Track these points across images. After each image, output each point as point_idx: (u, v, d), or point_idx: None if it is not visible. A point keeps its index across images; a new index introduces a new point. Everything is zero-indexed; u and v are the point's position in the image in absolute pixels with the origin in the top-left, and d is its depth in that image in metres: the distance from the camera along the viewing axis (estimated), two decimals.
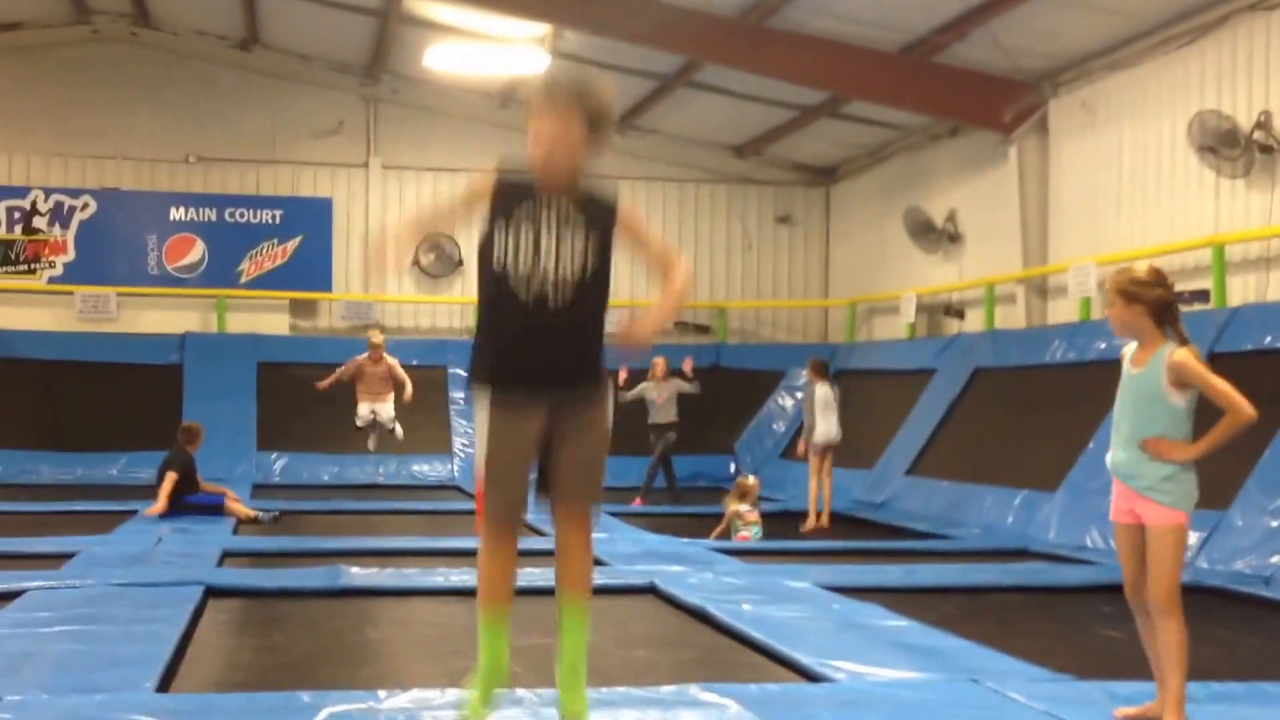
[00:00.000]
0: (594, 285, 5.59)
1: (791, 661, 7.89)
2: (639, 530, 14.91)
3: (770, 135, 24.01)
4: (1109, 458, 6.44)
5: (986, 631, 8.84)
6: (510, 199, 5.68)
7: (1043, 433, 16.17)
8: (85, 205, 23.41)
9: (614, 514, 16.57)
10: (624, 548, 13.11)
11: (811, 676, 7.54)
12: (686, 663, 8.11)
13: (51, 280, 23.32)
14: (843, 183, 25.59)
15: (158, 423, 21.37)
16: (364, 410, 19.82)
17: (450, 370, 23.27)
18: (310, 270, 23.95)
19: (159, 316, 23.27)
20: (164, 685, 7.08)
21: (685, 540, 13.88)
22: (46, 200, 23.29)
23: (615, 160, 24.93)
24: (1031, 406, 16.85)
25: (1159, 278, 6.23)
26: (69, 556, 11.65)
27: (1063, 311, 18.30)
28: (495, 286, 5.60)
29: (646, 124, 24.42)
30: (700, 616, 9.52)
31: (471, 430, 22.43)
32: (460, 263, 24.52)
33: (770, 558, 12.49)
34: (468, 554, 12.73)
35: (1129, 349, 6.41)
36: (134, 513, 15.82)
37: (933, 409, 18.64)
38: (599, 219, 5.75)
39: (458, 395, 23.05)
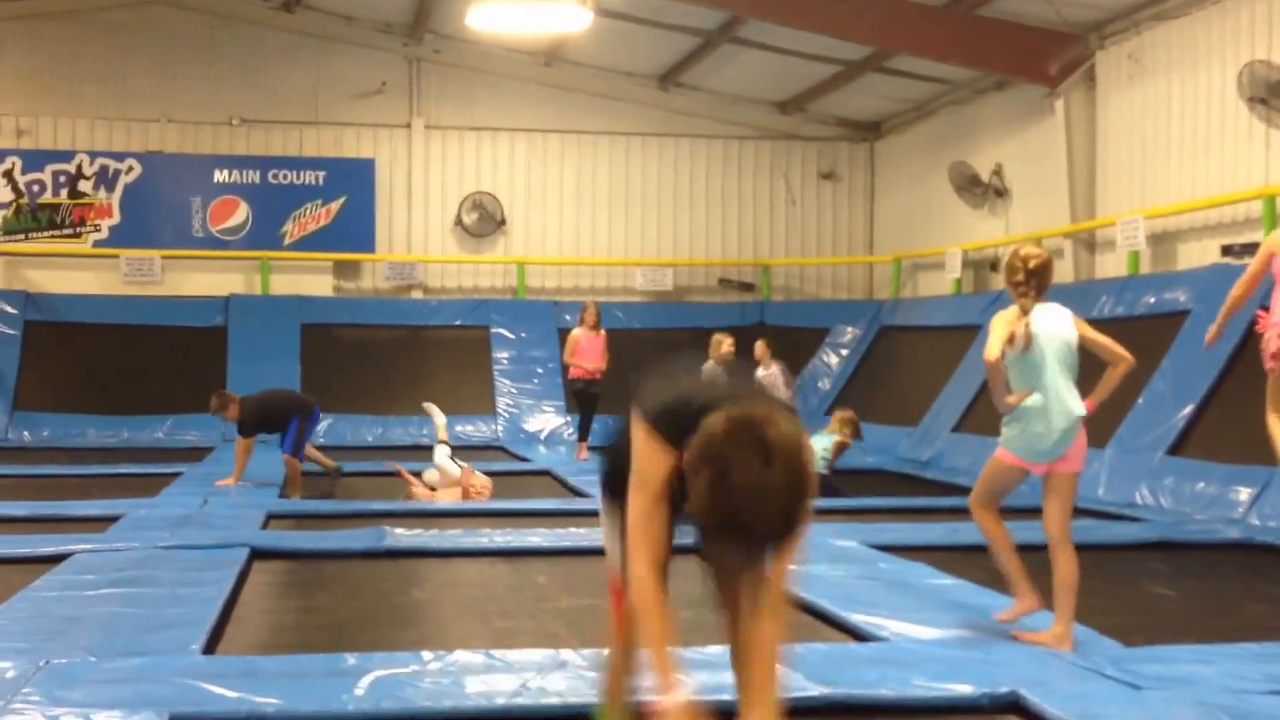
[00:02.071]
0: None
1: (839, 621, 7.85)
2: None
3: (814, 91, 23.86)
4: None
5: (1035, 589, 8.76)
6: None
7: (1091, 388, 16.02)
8: (130, 168, 23.44)
9: None
10: None
11: (859, 636, 7.50)
12: None
13: (97, 244, 23.37)
14: (888, 138, 25.43)
15: (202, 385, 21.40)
16: None
17: (493, 330, 23.25)
18: (354, 231, 23.94)
19: (203, 279, 23.31)
20: (210, 648, 7.10)
21: None
22: (91, 164, 23.34)
23: (660, 118, 24.87)
24: (1080, 362, 16.69)
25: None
26: (115, 519, 11.67)
27: (1110, 265, 18.14)
28: None
29: (690, 81, 24.30)
30: None
31: (515, 390, 22.48)
32: (503, 222, 24.47)
33: (817, 517, 12.44)
34: (511, 515, 12.76)
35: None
36: (179, 475, 15.85)
37: (979, 365, 18.49)
38: None
39: (501, 356, 23.03)
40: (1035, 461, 7.59)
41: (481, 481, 14.29)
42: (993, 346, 7.45)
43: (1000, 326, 7.51)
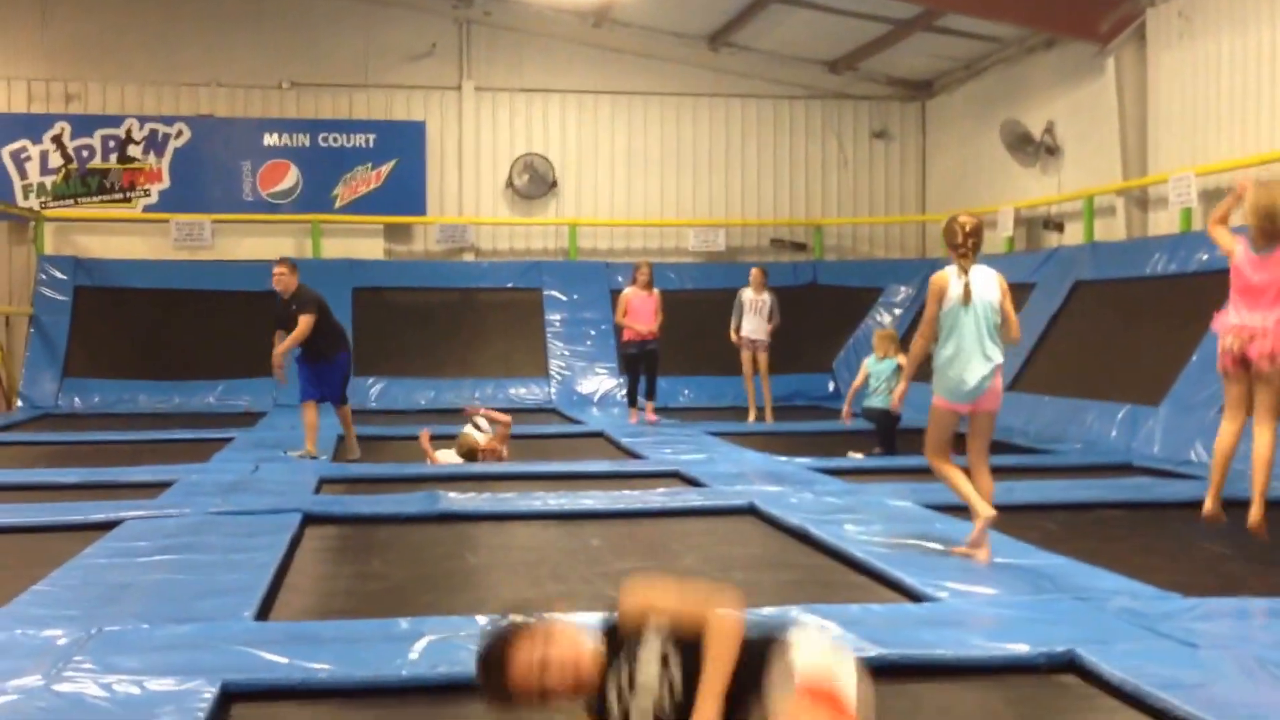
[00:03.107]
0: None
1: (894, 581, 7.82)
2: (738, 449, 14.83)
3: (865, 50, 23.70)
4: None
5: (1090, 549, 8.72)
6: None
7: (1145, 346, 15.94)
8: (180, 133, 23.47)
9: (713, 433, 16.50)
10: (723, 467, 13.03)
11: (914, 596, 7.46)
12: (787, 584, 8.04)
13: (147, 209, 23.40)
14: (939, 97, 25.26)
15: (254, 350, 21.49)
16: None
17: (545, 292, 23.23)
18: (404, 194, 23.92)
19: (254, 243, 23.33)
20: (263, 613, 7.11)
21: (785, 459, 13.77)
22: (141, 128, 23.38)
23: (710, 79, 24.77)
24: (1133, 319, 16.61)
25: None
26: (167, 485, 11.70)
27: (1163, 223, 17.98)
28: None
29: (740, 41, 24.18)
30: (801, 537, 9.43)
31: (568, 352, 22.46)
32: (554, 184, 24.43)
33: (872, 476, 12.36)
34: (565, 477, 12.75)
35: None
36: (231, 440, 15.88)
37: (1032, 324, 18.38)
38: None
39: (553, 318, 23.02)
40: (961, 403, 8.82)
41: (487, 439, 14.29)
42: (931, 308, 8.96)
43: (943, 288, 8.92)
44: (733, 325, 19.07)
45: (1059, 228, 20.57)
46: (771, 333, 18.97)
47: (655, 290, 18.44)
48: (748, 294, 19.10)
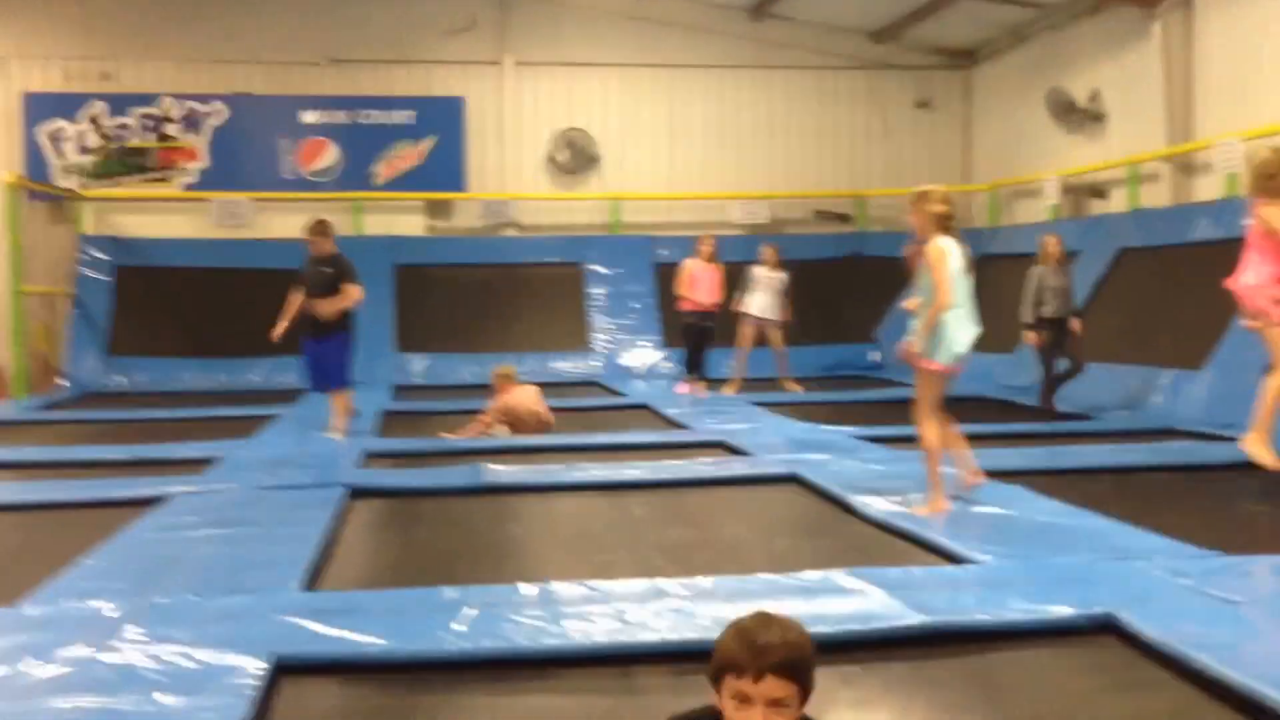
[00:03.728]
0: None
1: (936, 545, 7.84)
2: (782, 418, 14.84)
3: (908, 19, 23.60)
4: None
5: (1134, 511, 8.70)
6: None
7: (1189, 311, 15.86)
8: (217, 111, 23.55)
9: (757, 403, 16.52)
10: (766, 437, 13.04)
11: (956, 560, 7.47)
12: (829, 550, 8.05)
13: (186, 187, 23.48)
14: (983, 65, 25.13)
15: (296, 328, 21.60)
16: None
17: (588, 267, 23.25)
18: (445, 170, 23.93)
19: (294, 221, 23.21)
20: (310, 585, 7.16)
21: (829, 428, 13.78)
22: (179, 107, 23.46)
23: (752, 50, 24.71)
24: (1177, 285, 16.53)
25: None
26: (213, 461, 11.79)
27: (1208, 188, 17.85)
28: None
29: (783, 12, 24.11)
30: (843, 505, 9.45)
31: (611, 325, 22.47)
32: (595, 158, 24.42)
33: (914, 444, 12.36)
34: (608, 449, 12.78)
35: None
36: (276, 417, 15.95)
37: (1077, 291, 18.27)
38: None
39: (596, 292, 23.04)
40: (956, 365, 9.25)
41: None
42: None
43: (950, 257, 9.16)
44: (740, 298, 19.05)
45: (1103, 195, 20.47)
46: (786, 313, 19.11)
47: (719, 263, 18.36)
48: (761, 270, 19.15)
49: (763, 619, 3.73)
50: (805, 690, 3.72)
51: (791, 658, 3.67)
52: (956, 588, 6.68)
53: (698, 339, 18.35)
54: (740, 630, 3.72)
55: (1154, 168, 18.82)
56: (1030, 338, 16.01)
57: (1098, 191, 20.51)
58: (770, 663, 3.63)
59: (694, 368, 18.42)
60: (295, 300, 14.51)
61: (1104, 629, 6.03)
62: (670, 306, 20.09)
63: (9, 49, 23.10)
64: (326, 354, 14.29)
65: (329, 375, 14.30)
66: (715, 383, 18.29)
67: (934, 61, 25.47)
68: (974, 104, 25.54)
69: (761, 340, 19.15)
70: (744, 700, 3.66)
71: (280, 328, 14.60)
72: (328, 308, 14.16)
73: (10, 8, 23.10)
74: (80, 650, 5.66)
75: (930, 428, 9.24)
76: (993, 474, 10.04)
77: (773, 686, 3.64)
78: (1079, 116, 20.82)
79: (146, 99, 23.39)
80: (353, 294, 14.21)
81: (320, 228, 14.58)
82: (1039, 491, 9.30)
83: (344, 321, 14.32)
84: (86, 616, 6.27)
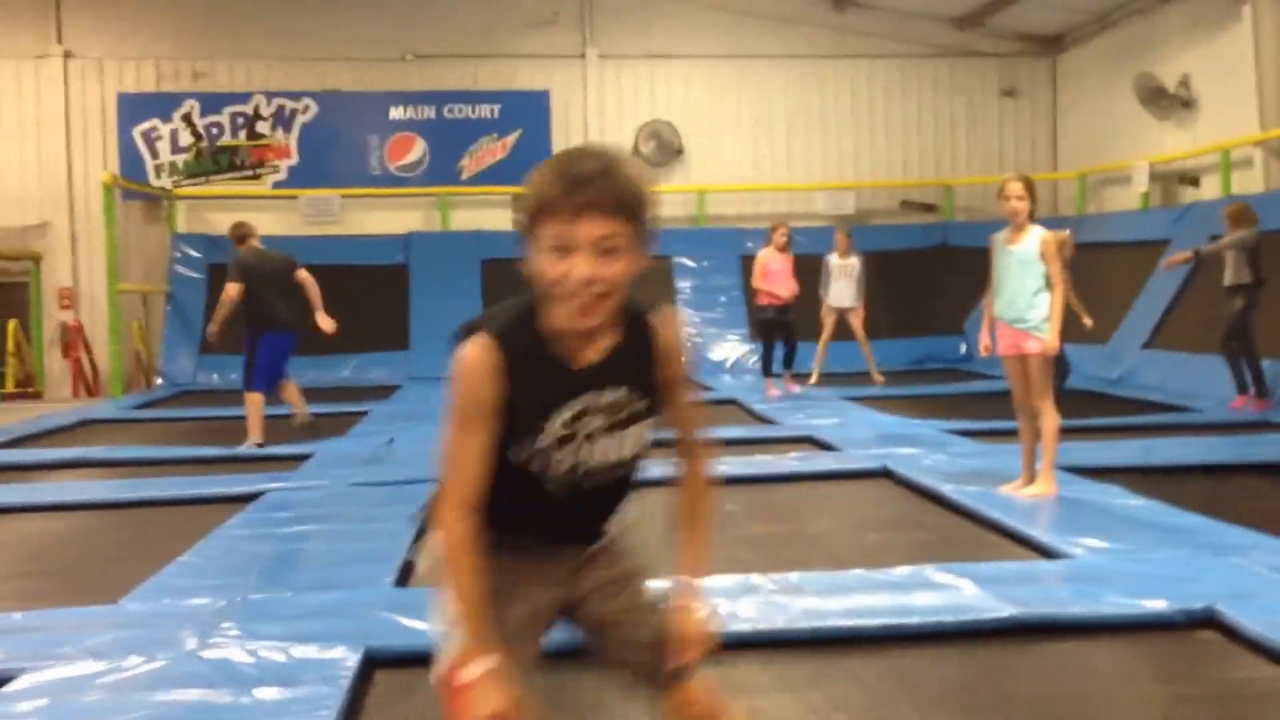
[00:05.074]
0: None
1: (1028, 539, 7.79)
2: (870, 412, 14.79)
3: (993, 5, 23.42)
4: (996, 310, 9.48)
5: (1229, 505, 8.62)
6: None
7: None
8: (306, 108, 23.72)
9: (845, 398, 16.47)
10: (856, 431, 13.01)
11: (1049, 554, 7.42)
12: (921, 544, 8.02)
13: (276, 185, 23.69)
14: (1069, 51, 24.93)
15: (386, 324, 21.75)
16: None
17: (674, 260, 23.24)
18: (530, 164, 23.37)
19: (382, 217, 23.57)
20: (403, 580, 7.20)
21: (918, 421, 13.72)
22: (268, 104, 23.66)
23: (836, 39, 24.63)
24: (1272, 273, 16.32)
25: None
26: (305, 458, 11.92)
27: None
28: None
29: (865, 0, 24.02)
30: (934, 498, 9.41)
31: (699, 319, 22.47)
32: (680, 150, 24.42)
33: (1004, 438, 12.26)
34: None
35: (1001, 234, 9.47)
36: (366, 413, 16.07)
37: (1169, 280, 18.14)
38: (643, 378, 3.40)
39: (683, 285, 23.04)
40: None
41: None
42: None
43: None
44: (821, 291, 19.10)
45: (1195, 183, 20.26)
46: (863, 299, 19.09)
47: (790, 254, 17.50)
48: (834, 259, 19.14)
49: (582, 148, 3.18)
50: (642, 231, 3.15)
51: (618, 188, 3.08)
52: (1050, 581, 6.65)
53: (777, 334, 17.55)
54: (554, 160, 3.16)
55: (1246, 153, 18.62)
56: None
57: (1190, 179, 20.30)
58: (591, 196, 3.04)
59: (785, 363, 17.67)
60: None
61: (1204, 624, 5.98)
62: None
63: (103, 50, 23.37)
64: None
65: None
66: (801, 377, 18.11)
67: (1019, 49, 25.29)
68: (1061, 91, 25.34)
69: (842, 331, 19.08)
70: (564, 249, 3.10)
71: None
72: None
73: (103, 10, 23.37)
74: (180, 646, 5.73)
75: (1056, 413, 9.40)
76: (1086, 469, 9.99)
77: (597, 225, 3.06)
78: (1168, 102, 20.61)
79: (238, 97, 23.60)
80: (224, 293, 13.56)
81: (232, 230, 14.26)
82: (1133, 487, 9.22)
83: (247, 325, 13.58)
84: (185, 613, 6.34)
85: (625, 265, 3.16)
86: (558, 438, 3.22)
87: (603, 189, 3.06)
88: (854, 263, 19.00)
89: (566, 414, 3.21)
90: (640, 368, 3.32)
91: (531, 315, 3.25)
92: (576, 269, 3.09)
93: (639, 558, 3.60)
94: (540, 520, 3.37)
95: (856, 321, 19.04)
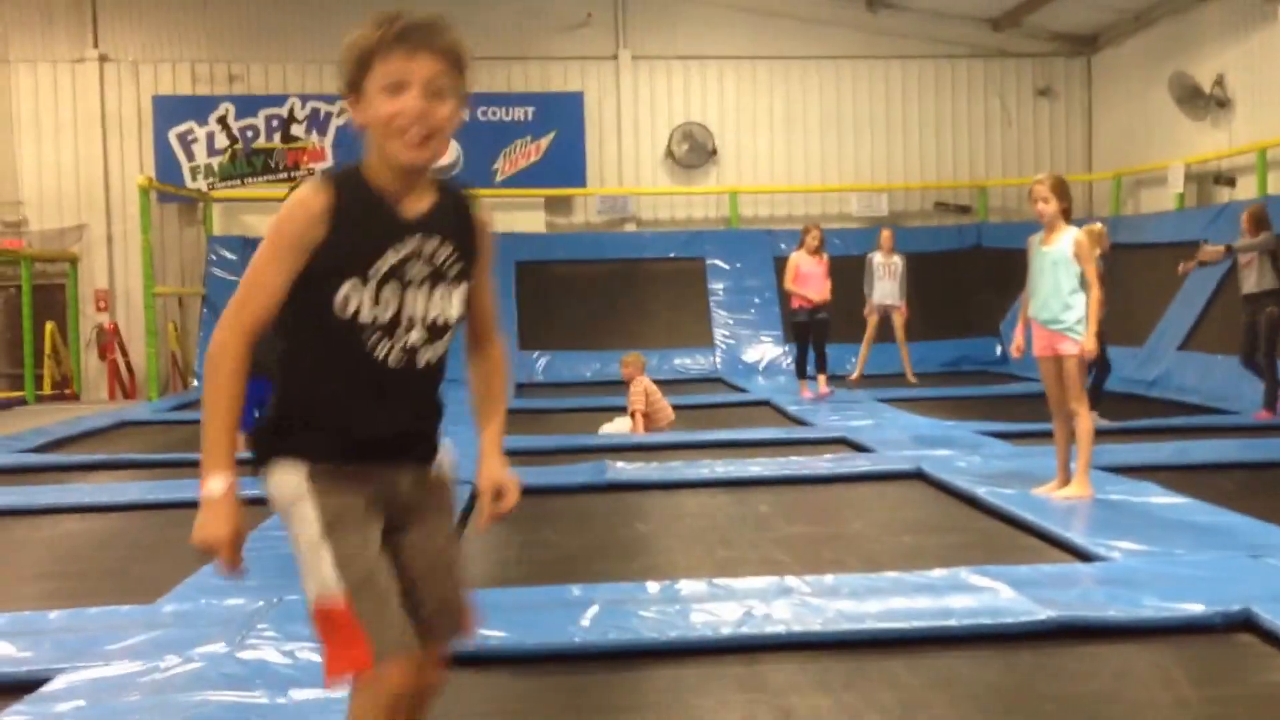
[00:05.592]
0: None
1: (1064, 542, 7.78)
2: (904, 413, 14.78)
3: (1027, 5, 23.36)
4: (1030, 311, 9.49)
5: (1267, 507, 8.57)
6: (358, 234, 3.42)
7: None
8: (341, 111, 23.73)
9: (879, 399, 16.46)
10: (891, 433, 13.00)
11: (1085, 556, 7.40)
12: (956, 547, 8.01)
13: None
14: (1104, 51, 24.85)
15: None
16: None
17: (708, 262, 23.23)
18: (564, 166, 24.00)
19: None
20: None
21: (953, 423, 13.70)
22: (303, 107, 23.73)
23: (869, 40, 24.60)
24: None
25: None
26: None
27: None
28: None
29: (898, 1, 23.99)
30: (969, 500, 9.40)
31: (732, 321, 22.48)
32: (714, 152, 24.41)
33: (1040, 440, 12.23)
34: (731, 446, 12.77)
35: (1038, 235, 9.47)
36: None
37: (1205, 281, 18.06)
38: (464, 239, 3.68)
39: (716, 286, 23.03)
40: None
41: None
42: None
43: None
44: (865, 289, 19.31)
45: (1231, 183, 20.17)
46: (905, 295, 19.22)
47: (825, 255, 17.28)
48: (877, 257, 19.26)
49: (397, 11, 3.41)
50: (464, 83, 3.51)
51: (448, 35, 3.48)
52: (1087, 584, 6.63)
53: (811, 337, 17.31)
54: (380, 14, 3.46)
55: None
56: None
57: (1226, 180, 20.21)
58: (424, 36, 3.41)
59: (817, 365, 17.41)
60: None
61: (1241, 626, 5.95)
62: (789, 301, 19.89)
63: (139, 53, 23.47)
64: None
65: None
66: (835, 378, 18.05)
67: (1054, 48, 25.22)
68: (1095, 91, 25.26)
69: (881, 332, 19.08)
70: (396, 87, 3.35)
71: None
72: None
73: (139, 13, 23.47)
74: (216, 646, 5.76)
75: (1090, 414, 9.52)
76: (1123, 469, 9.97)
77: (430, 64, 3.38)
78: (1204, 102, 20.53)
79: (273, 100, 23.66)
80: None
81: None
82: (1170, 487, 9.19)
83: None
84: (222, 614, 6.37)
85: (452, 109, 3.43)
86: (382, 276, 3.37)
87: (435, 32, 3.41)
88: (897, 261, 19.14)
89: (394, 257, 3.40)
90: (460, 233, 3.58)
91: (363, 167, 3.49)
92: (410, 104, 3.34)
93: (452, 501, 3.72)
94: (371, 414, 3.45)
95: (899, 320, 19.12)
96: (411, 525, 3.56)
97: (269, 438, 3.52)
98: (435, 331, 3.49)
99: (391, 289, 3.39)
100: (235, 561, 3.39)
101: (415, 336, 3.45)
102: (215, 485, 3.35)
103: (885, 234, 19.32)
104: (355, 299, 3.36)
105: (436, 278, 3.47)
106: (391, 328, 3.40)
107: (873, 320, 19.01)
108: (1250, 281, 14.28)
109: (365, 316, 3.37)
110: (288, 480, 3.48)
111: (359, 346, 3.39)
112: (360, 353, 3.39)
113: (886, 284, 19.01)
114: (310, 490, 3.44)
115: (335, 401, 3.43)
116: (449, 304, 3.51)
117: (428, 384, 3.56)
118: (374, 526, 3.46)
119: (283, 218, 3.35)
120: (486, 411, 3.76)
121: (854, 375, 18.77)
